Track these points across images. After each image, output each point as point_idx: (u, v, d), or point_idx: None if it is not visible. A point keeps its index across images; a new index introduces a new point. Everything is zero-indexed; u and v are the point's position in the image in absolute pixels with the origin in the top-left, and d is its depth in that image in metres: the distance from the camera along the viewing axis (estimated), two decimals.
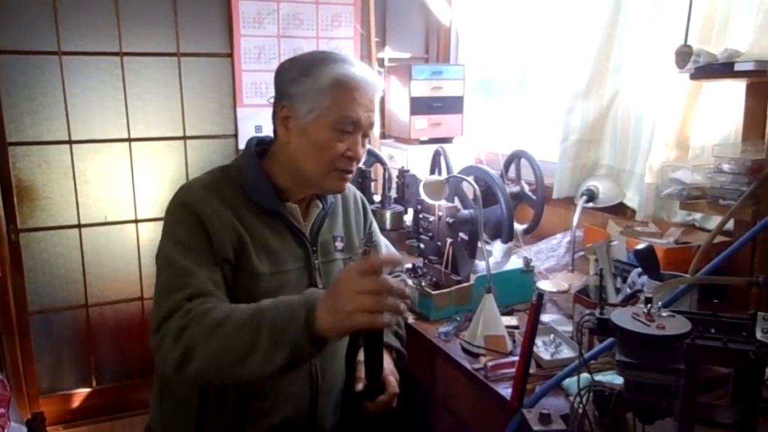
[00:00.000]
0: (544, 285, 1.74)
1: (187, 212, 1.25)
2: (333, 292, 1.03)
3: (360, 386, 1.31)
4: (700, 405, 0.95)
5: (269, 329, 1.04)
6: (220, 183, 1.33)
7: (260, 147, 1.42)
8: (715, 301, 1.52)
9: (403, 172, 2.22)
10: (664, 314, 0.90)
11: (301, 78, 1.30)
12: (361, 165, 2.24)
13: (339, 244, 1.48)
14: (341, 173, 1.34)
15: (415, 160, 2.62)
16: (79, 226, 2.58)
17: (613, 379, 1.16)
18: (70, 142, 2.51)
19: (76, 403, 2.69)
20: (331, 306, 1.02)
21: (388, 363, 1.39)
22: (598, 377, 1.15)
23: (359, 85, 1.30)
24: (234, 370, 1.07)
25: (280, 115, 1.34)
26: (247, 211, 1.31)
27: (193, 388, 1.28)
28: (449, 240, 1.70)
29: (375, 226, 1.67)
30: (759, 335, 0.88)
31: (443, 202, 1.73)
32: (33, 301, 2.55)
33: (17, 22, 2.37)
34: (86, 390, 2.70)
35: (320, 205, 1.44)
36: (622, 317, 0.89)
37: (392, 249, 1.74)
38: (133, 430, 2.65)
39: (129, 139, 2.60)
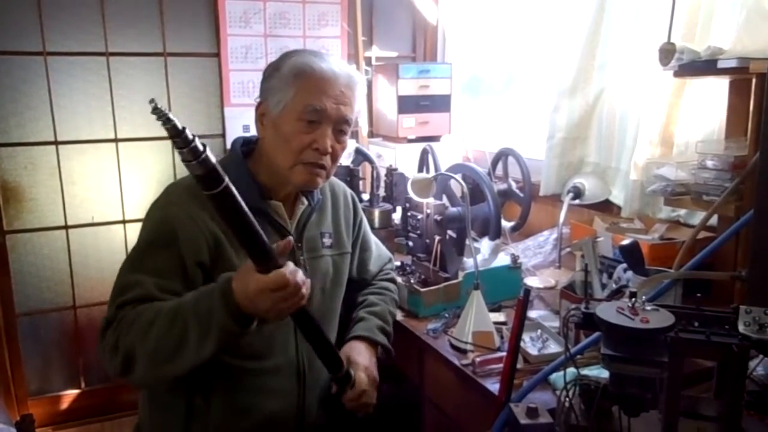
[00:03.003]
0: (532, 281, 1.76)
1: (162, 219, 1.27)
2: (250, 297, 1.09)
3: (335, 389, 1.36)
4: (685, 398, 0.97)
5: (195, 322, 1.12)
6: None
7: (246, 147, 1.42)
8: (699, 295, 1.54)
9: (391, 171, 2.23)
10: (648, 308, 0.91)
11: (273, 73, 1.33)
12: (349, 164, 2.26)
13: (327, 240, 1.49)
14: (309, 167, 1.33)
15: (403, 159, 2.62)
16: (66, 227, 2.56)
17: (599, 373, 1.17)
18: (56, 142, 2.49)
19: (64, 404, 2.67)
20: (249, 304, 1.10)
21: (365, 359, 1.41)
22: (585, 371, 1.16)
23: (325, 76, 1.30)
24: (172, 366, 1.15)
25: (258, 113, 1.36)
26: None
27: (180, 389, 1.29)
28: (437, 237, 1.71)
29: (365, 223, 1.67)
30: (741, 328, 0.89)
31: (431, 200, 1.74)
32: (20, 303, 2.52)
33: (0, 22, 2.34)
34: (75, 391, 2.68)
35: (305, 202, 1.45)
36: (607, 311, 0.90)
37: (382, 247, 1.75)
38: (122, 431, 2.64)
39: (116, 140, 2.58)
